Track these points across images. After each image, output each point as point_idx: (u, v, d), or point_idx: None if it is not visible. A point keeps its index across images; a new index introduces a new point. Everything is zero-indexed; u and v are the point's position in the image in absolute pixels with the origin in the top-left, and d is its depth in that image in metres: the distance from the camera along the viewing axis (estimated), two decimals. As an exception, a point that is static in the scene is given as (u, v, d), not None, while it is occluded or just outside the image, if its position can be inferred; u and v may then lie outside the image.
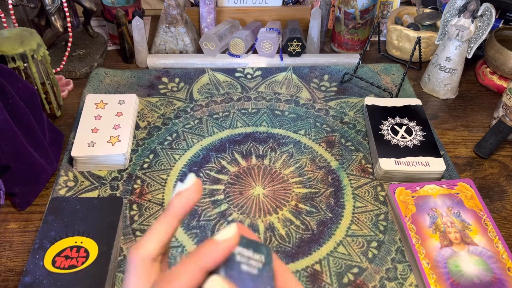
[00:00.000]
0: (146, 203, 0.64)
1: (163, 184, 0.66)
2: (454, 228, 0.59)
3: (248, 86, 0.85)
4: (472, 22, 0.76)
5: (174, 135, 0.74)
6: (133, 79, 0.85)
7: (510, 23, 0.95)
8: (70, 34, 0.86)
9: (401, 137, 0.71)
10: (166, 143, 0.73)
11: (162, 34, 0.89)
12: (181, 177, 0.67)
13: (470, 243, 0.57)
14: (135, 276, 0.29)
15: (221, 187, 0.66)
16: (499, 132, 0.72)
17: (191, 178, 0.31)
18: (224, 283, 0.27)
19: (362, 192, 0.67)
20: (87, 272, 0.51)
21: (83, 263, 0.52)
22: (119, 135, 0.69)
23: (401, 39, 0.92)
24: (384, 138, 0.71)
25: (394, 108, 0.77)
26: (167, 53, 0.91)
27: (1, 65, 0.61)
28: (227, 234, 0.29)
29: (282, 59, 0.90)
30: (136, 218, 0.62)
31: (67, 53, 0.86)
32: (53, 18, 0.84)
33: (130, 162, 0.69)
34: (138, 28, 0.84)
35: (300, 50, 0.89)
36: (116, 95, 0.76)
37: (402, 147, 0.70)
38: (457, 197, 0.62)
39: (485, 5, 0.75)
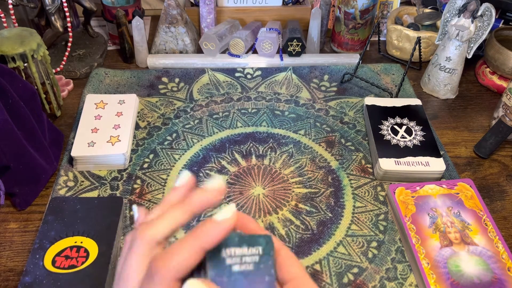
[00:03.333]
0: (146, 203, 0.64)
1: (163, 184, 0.66)
2: (454, 228, 0.59)
3: (248, 86, 0.85)
4: (472, 22, 0.76)
5: (174, 135, 0.74)
6: (133, 79, 0.85)
7: (510, 23, 0.95)
8: (70, 34, 0.86)
9: (401, 137, 0.71)
10: (166, 143, 0.73)
11: (162, 34, 0.89)
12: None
13: (470, 243, 0.57)
14: (138, 255, 0.29)
15: (221, 187, 0.66)
16: (499, 132, 0.72)
17: (219, 181, 0.30)
18: (202, 284, 0.27)
19: (362, 192, 0.67)
20: (87, 272, 0.51)
21: (83, 263, 0.52)
22: (119, 135, 0.69)
23: (401, 39, 0.92)
24: (384, 138, 0.71)
25: (394, 108, 0.77)
26: (167, 53, 0.91)
27: (1, 65, 0.61)
28: (226, 214, 0.29)
29: (282, 59, 0.90)
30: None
31: (67, 53, 0.86)
32: (53, 18, 0.84)
33: (130, 162, 0.69)
34: (138, 28, 0.84)
35: (300, 50, 0.89)
36: (116, 95, 0.76)
37: (402, 147, 0.70)
38: (457, 197, 0.62)
39: (485, 5, 0.75)
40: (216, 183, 0.31)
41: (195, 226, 0.31)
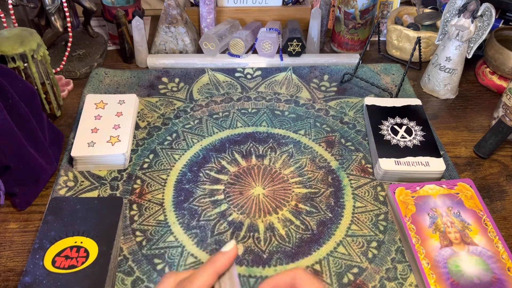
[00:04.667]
0: (146, 203, 0.64)
1: (163, 184, 0.66)
2: (454, 228, 0.59)
3: (248, 86, 0.85)
4: (472, 22, 0.76)
5: (174, 135, 0.74)
6: (133, 79, 0.85)
7: (510, 23, 0.95)
8: (70, 34, 0.86)
9: (401, 137, 0.71)
10: (166, 143, 0.73)
11: (162, 34, 0.89)
12: (181, 177, 0.67)
13: (470, 243, 0.57)
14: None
15: (221, 187, 0.66)
16: (499, 132, 0.72)
17: (232, 243, 0.40)
18: None
19: (362, 192, 0.67)
20: (87, 272, 0.51)
21: (83, 263, 0.52)
22: (119, 135, 0.69)
23: (401, 39, 0.92)
24: (384, 138, 0.71)
25: (394, 108, 0.77)
26: (167, 53, 0.91)
27: (1, 65, 0.61)
28: (230, 246, 0.39)
29: (282, 59, 0.90)
30: (136, 218, 0.62)
31: (67, 53, 0.86)
32: (53, 18, 0.84)
33: (130, 162, 0.69)
34: (138, 28, 0.84)
35: (300, 50, 0.89)
36: (116, 95, 0.76)
37: (402, 147, 0.70)
38: (457, 197, 0.62)
39: (485, 5, 0.75)
40: (230, 245, 0.39)
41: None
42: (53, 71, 0.77)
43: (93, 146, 0.67)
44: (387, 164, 0.67)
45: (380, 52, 0.97)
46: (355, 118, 0.79)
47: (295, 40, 0.88)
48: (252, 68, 0.89)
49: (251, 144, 0.73)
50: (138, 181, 0.67)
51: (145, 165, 0.69)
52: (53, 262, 0.52)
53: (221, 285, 0.38)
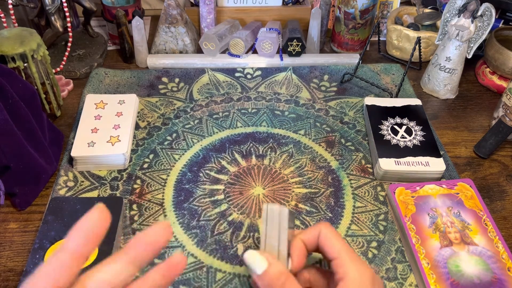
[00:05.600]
0: (146, 203, 0.64)
1: (163, 184, 0.66)
2: (454, 228, 0.59)
3: (248, 86, 0.85)
4: (472, 22, 0.76)
5: (174, 135, 0.74)
6: (133, 79, 0.85)
7: (510, 23, 0.95)
8: (70, 34, 0.86)
9: (401, 137, 0.71)
10: (166, 143, 0.73)
11: (162, 34, 0.89)
12: (181, 177, 0.67)
13: (470, 243, 0.57)
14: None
15: (221, 187, 0.66)
16: (499, 132, 0.72)
17: (161, 225, 0.29)
18: (258, 253, 0.36)
19: (362, 192, 0.67)
20: (87, 272, 0.51)
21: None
22: (119, 135, 0.69)
23: (401, 39, 0.92)
24: (384, 138, 0.71)
25: (394, 108, 0.77)
26: (167, 53, 0.91)
27: (1, 65, 0.61)
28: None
29: (282, 59, 0.90)
30: (136, 218, 0.62)
31: (67, 53, 0.86)
32: (53, 18, 0.84)
33: (130, 162, 0.69)
34: (138, 28, 0.84)
35: (300, 50, 0.89)
36: (116, 95, 0.76)
37: (402, 147, 0.70)
38: (457, 197, 0.62)
39: (485, 5, 0.75)
40: (158, 225, 0.29)
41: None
42: (53, 71, 0.77)
43: (93, 146, 0.67)
44: (387, 164, 0.67)
45: (380, 52, 0.97)
46: (355, 118, 0.79)
47: (295, 40, 0.88)
48: (252, 68, 0.89)
49: (251, 144, 0.73)
50: (138, 181, 0.67)
51: (145, 165, 0.69)
52: (53, 262, 0.52)
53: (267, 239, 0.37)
